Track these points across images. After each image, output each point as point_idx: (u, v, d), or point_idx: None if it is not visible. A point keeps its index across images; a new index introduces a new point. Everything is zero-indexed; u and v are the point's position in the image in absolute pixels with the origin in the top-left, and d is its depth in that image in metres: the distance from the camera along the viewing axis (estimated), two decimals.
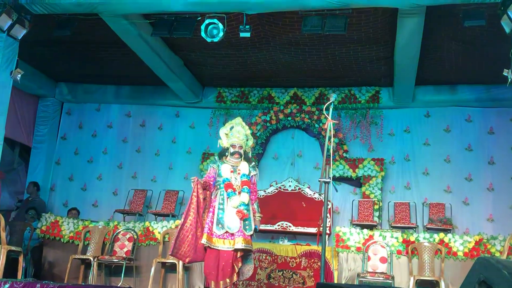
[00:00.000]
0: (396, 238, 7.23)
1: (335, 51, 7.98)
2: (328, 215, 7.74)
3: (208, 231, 5.47)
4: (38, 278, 7.52)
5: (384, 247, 7.08)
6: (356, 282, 6.84)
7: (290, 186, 8.97)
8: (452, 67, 8.26)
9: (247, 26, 6.60)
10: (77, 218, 8.43)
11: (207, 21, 6.57)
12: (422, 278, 6.83)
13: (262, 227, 6.87)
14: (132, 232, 7.57)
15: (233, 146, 5.77)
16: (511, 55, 5.90)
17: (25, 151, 10.26)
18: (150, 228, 7.68)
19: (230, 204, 5.53)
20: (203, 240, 5.45)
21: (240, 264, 5.51)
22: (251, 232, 5.57)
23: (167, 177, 9.82)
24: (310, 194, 8.80)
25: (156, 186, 9.62)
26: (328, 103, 4.97)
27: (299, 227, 8.44)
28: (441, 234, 7.22)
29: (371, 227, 7.98)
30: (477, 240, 7.00)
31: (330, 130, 4.85)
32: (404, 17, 6.42)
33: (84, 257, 7.43)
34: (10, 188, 9.98)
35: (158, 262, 7.20)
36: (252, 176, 5.77)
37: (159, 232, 7.56)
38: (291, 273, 7.38)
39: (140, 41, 7.47)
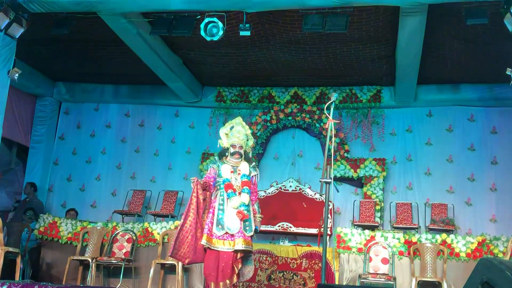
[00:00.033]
0: (398, 239, 7.21)
1: (336, 50, 7.95)
2: (329, 215, 7.73)
3: (208, 232, 5.43)
4: (36, 279, 7.50)
5: (386, 248, 7.07)
6: (357, 284, 6.83)
7: (290, 186, 8.92)
8: (454, 66, 8.22)
9: (247, 25, 6.56)
10: (76, 219, 8.40)
11: (206, 20, 6.54)
12: (424, 279, 6.83)
13: (263, 228, 6.83)
14: (131, 233, 7.54)
15: (233, 146, 5.72)
16: None
17: (23, 151, 10.22)
18: (149, 229, 7.65)
19: (230, 204, 5.48)
20: (203, 241, 5.41)
21: (240, 265, 5.47)
22: (252, 233, 5.53)
23: (166, 177, 9.79)
24: (311, 195, 8.75)
25: (155, 186, 9.58)
26: (329, 102, 4.96)
27: (300, 228, 8.39)
28: (444, 235, 7.21)
29: (372, 228, 7.94)
30: (480, 241, 6.98)
31: (331, 130, 4.85)
32: (406, 16, 6.37)
33: (83, 258, 7.41)
34: (8, 189, 9.96)
35: (157, 263, 7.16)
36: (252, 176, 5.73)
37: (158, 233, 7.54)
38: (292, 274, 7.33)
39: (139, 40, 7.42)
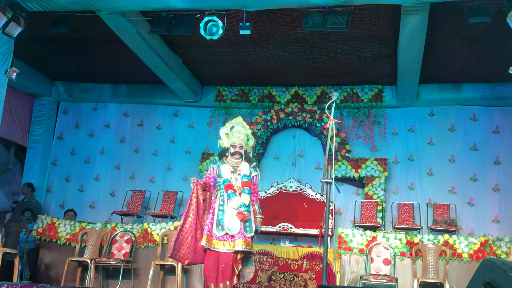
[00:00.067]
0: (400, 239, 7.18)
1: (337, 49, 7.90)
2: (330, 216, 7.70)
3: (208, 233, 5.41)
4: (34, 281, 7.50)
5: (388, 249, 7.04)
6: (359, 285, 6.81)
7: (291, 186, 8.89)
8: (456, 64, 8.18)
9: (247, 24, 6.52)
10: (74, 220, 8.35)
11: (206, 19, 6.50)
12: (426, 280, 6.80)
13: (263, 228, 6.79)
14: (130, 234, 7.50)
15: (233, 146, 5.69)
16: None
17: (21, 151, 10.19)
18: (149, 230, 7.61)
19: (230, 205, 5.45)
20: (203, 242, 5.38)
21: (240, 267, 5.44)
22: (252, 234, 5.50)
23: (166, 177, 9.74)
24: (311, 195, 8.72)
25: (155, 186, 9.54)
26: (330, 102, 4.94)
27: (301, 228, 8.35)
28: (446, 236, 7.18)
29: (374, 229, 7.90)
30: (483, 241, 6.95)
31: (332, 130, 4.85)
32: (407, 14, 6.33)
33: (81, 259, 7.37)
34: (6, 189, 9.96)
35: (157, 264, 7.13)
36: (253, 176, 5.71)
37: (157, 234, 7.50)
38: (293, 275, 7.29)
39: (137, 39, 7.38)
